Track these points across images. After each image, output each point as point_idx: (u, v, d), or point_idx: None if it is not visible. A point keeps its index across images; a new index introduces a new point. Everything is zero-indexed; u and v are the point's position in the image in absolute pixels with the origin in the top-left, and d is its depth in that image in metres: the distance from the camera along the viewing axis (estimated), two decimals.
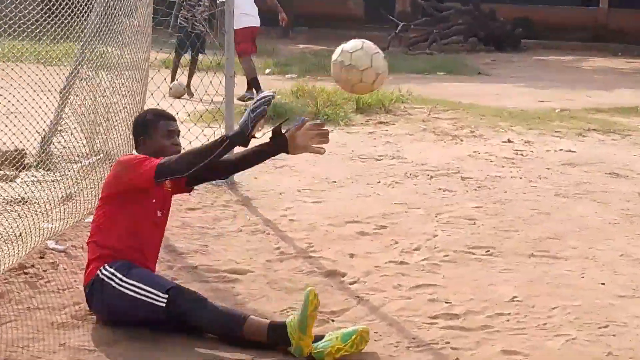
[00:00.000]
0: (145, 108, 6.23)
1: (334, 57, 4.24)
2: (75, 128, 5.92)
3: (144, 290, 3.92)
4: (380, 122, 10.46)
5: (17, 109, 4.62)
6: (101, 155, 5.94)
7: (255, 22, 13.24)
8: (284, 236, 5.82)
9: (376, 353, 4.00)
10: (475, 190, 7.31)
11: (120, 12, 5.93)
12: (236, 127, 4.09)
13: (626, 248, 5.88)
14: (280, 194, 6.88)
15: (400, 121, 10.61)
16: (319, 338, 3.90)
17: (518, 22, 30.60)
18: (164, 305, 3.86)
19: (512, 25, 29.89)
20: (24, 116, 4.77)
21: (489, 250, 5.69)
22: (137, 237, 4.18)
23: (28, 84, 4.76)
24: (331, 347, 3.79)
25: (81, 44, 5.95)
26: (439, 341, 4.21)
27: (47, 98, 5.16)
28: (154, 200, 4.23)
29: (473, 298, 4.80)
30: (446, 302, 4.72)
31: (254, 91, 12.43)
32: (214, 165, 4.15)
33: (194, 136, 7.40)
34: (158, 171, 3.89)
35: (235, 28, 7.57)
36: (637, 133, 10.81)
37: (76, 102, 6.12)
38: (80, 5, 5.16)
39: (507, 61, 23.83)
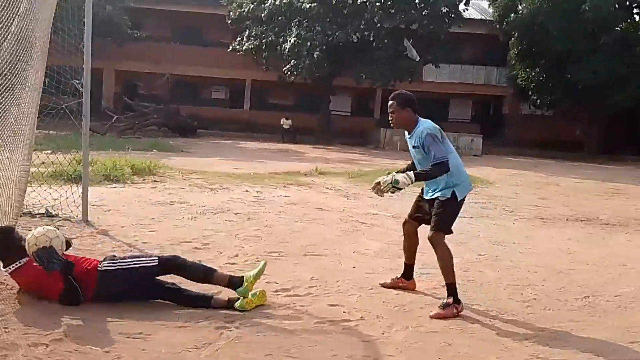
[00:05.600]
0: None
1: None
2: None
3: (140, 260, 4.31)
4: (155, 181, 10.65)
5: None
6: None
7: None
8: (147, 252, 6.00)
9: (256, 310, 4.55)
10: (248, 220, 7.90)
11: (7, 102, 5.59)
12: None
13: (353, 247, 6.88)
14: (122, 227, 6.94)
15: (167, 180, 10.86)
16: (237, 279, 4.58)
17: (194, 117, 31.69)
18: (156, 262, 4.21)
19: (190, 119, 30.93)
20: None
21: (280, 253, 6.36)
22: None
23: None
24: (247, 284, 4.47)
25: None
26: (288, 304, 4.83)
27: None
28: None
29: (290, 279, 5.44)
30: (276, 283, 5.29)
31: None
32: None
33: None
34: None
35: None
36: (315, 185, 12.10)
37: None
38: None
39: (195, 144, 24.58)
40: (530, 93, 32.19)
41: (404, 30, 30.36)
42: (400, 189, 4.73)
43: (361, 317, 4.63)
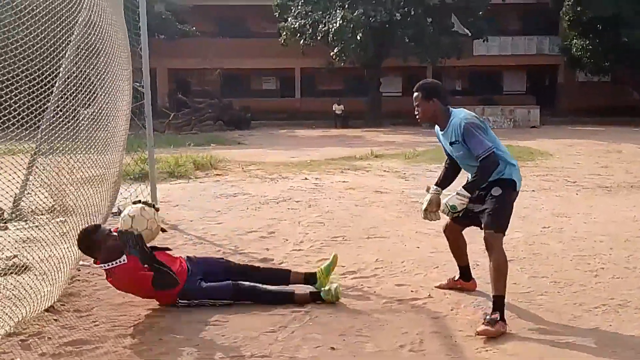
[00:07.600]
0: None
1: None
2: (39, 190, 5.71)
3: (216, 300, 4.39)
4: (217, 175, 10.98)
5: None
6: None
7: None
8: (216, 244, 6.20)
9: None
10: (310, 207, 8.09)
11: (77, 104, 5.74)
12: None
13: (414, 228, 6.92)
14: (191, 221, 7.21)
15: (229, 173, 11.19)
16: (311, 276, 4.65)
17: (246, 109, 32.08)
18: (231, 302, 4.38)
19: (243, 111, 31.34)
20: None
21: (344, 237, 6.50)
22: None
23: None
24: (321, 279, 4.57)
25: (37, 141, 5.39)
26: (356, 285, 4.96)
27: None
28: None
29: (356, 262, 5.56)
30: (342, 266, 5.39)
31: None
32: None
33: None
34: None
35: None
36: (371, 170, 12.20)
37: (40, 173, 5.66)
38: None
39: (250, 135, 24.93)
40: (585, 60, 31.29)
41: (449, 5, 29.91)
42: (460, 211, 4.25)
43: (429, 295, 4.71)
